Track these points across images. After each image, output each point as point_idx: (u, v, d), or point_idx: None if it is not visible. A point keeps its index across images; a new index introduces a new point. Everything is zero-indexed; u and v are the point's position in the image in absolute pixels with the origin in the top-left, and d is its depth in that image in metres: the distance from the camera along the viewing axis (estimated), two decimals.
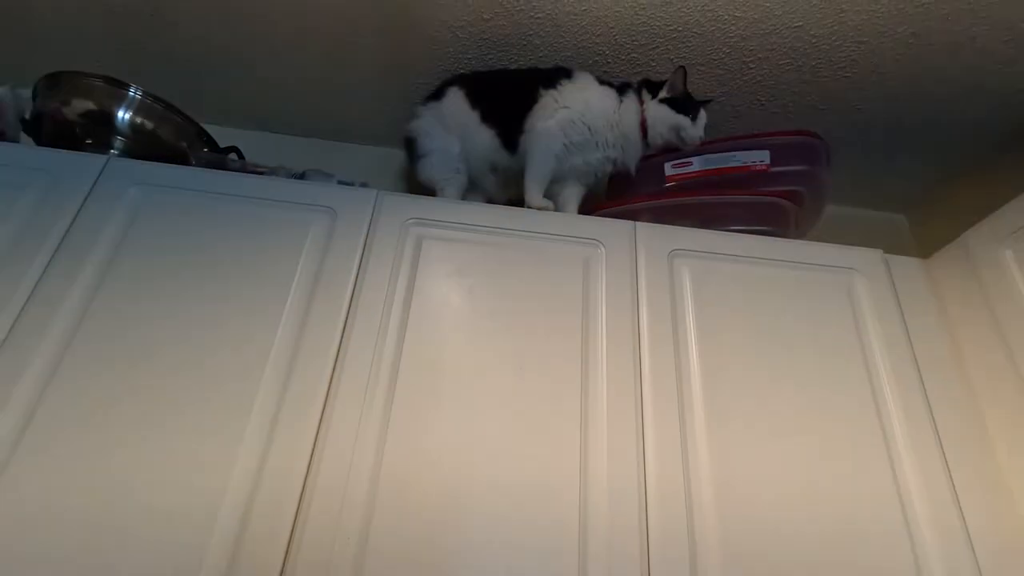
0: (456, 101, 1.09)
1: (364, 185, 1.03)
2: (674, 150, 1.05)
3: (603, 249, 0.92)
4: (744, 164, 1.01)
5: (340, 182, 1.04)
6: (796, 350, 0.86)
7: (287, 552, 0.65)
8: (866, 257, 0.96)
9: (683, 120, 1.02)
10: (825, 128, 1.14)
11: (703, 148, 1.04)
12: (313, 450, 0.72)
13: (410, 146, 1.12)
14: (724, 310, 0.88)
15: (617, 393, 0.80)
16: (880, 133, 1.21)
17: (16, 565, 0.63)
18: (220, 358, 0.77)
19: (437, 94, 1.12)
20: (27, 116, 1.05)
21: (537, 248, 0.91)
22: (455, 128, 1.08)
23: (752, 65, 1.08)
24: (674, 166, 1.04)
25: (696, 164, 1.03)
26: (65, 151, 0.94)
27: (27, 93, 1.05)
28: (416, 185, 1.12)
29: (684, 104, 1.02)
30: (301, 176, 1.06)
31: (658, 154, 1.06)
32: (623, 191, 1.09)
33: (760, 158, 1.01)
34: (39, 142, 1.02)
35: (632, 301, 0.87)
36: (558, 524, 0.70)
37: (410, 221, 0.92)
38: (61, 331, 0.76)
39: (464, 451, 0.74)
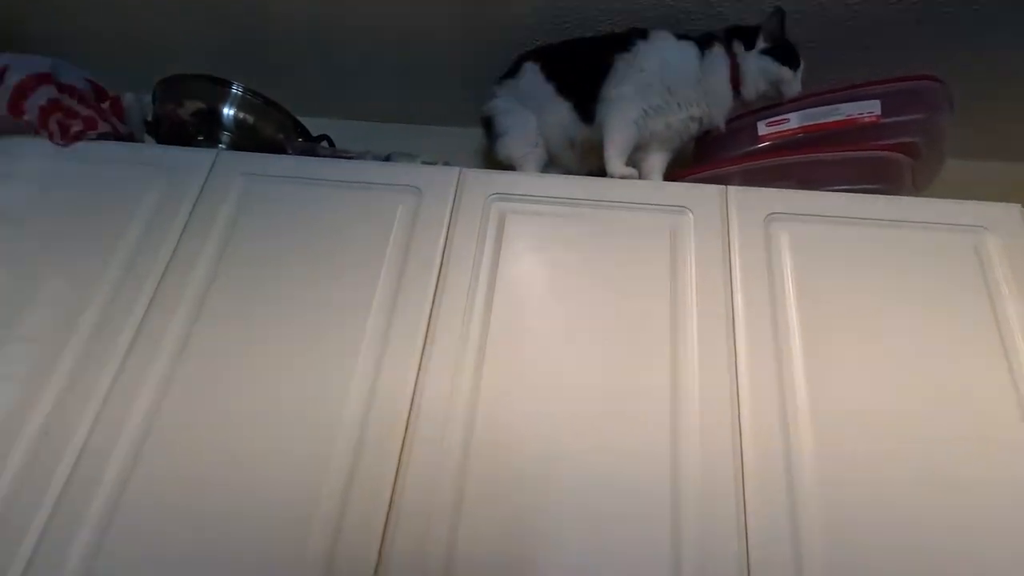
0: (531, 76, 1.07)
1: (447, 164, 1.05)
2: (767, 107, 0.97)
3: (691, 216, 0.88)
4: (850, 116, 0.92)
5: (424, 163, 1.06)
6: (917, 318, 0.78)
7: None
8: (1000, 213, 0.85)
9: (786, 72, 0.93)
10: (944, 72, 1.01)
11: (800, 102, 0.96)
12: (408, 422, 0.75)
13: (488, 125, 1.12)
14: (829, 277, 0.82)
15: (708, 366, 0.77)
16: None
17: (171, 477, 0.73)
18: (321, 334, 0.82)
19: (512, 71, 1.11)
20: (149, 118, 1.16)
21: (620, 218, 0.89)
22: (531, 103, 1.07)
23: (856, 6, 0.98)
24: (768, 124, 0.97)
25: (794, 120, 0.95)
26: (181, 148, 1.03)
27: (148, 97, 1.16)
28: (497, 164, 1.13)
29: (786, 53, 0.94)
30: (387, 159, 1.10)
31: (748, 113, 0.99)
32: (711, 154, 1.04)
33: (869, 109, 0.92)
34: (159, 141, 1.13)
35: (724, 269, 0.83)
36: (648, 493, 0.70)
37: (493, 196, 0.92)
38: (193, 294, 0.86)
39: (550, 420, 0.74)
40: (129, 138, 1.12)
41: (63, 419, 0.77)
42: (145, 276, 0.88)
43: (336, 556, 0.68)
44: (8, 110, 0.99)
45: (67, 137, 1.01)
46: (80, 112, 1.04)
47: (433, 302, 0.83)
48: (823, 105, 0.95)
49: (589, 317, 0.81)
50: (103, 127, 1.05)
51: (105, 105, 1.08)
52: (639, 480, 0.71)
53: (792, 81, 0.94)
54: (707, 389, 0.75)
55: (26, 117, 1.00)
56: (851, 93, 0.94)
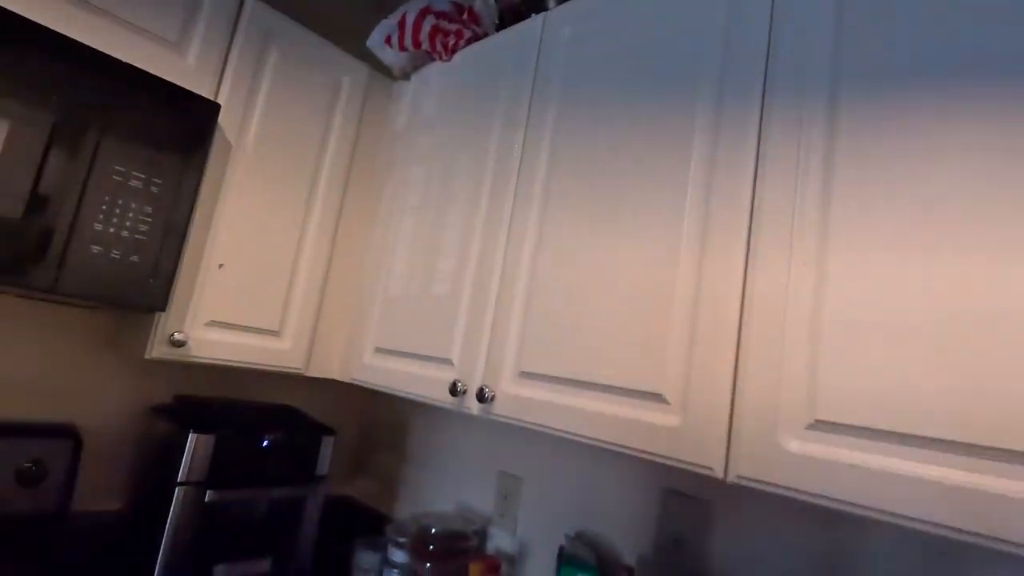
0: None
1: None
2: None
3: None
4: None
5: None
6: None
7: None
8: None
9: None
10: None
11: None
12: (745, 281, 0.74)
13: None
14: None
15: None
16: None
17: (551, 304, 0.93)
18: (646, 193, 0.87)
19: None
20: (496, 20, 1.38)
21: None
22: None
23: None
24: None
25: None
26: (518, 25, 1.20)
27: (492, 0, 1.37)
28: None
29: None
30: None
31: None
32: None
33: None
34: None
35: None
36: None
37: None
38: (545, 162, 1.03)
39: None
40: (485, 36, 1.36)
41: (488, 250, 1.07)
42: (509, 155, 1.10)
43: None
44: (413, 45, 1.34)
45: (448, 52, 1.32)
46: (451, 29, 1.32)
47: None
48: None
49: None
50: (467, 34, 1.31)
51: (464, 16, 1.34)
52: None
53: None
54: None
55: (424, 47, 1.34)
56: None
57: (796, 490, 0.60)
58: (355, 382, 1.28)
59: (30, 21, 0.89)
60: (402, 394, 1.14)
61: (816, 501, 0.59)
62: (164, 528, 1.06)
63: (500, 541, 1.29)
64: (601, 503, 1.13)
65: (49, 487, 1.12)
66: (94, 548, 1.23)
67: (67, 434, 1.16)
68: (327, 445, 1.30)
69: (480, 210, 1.11)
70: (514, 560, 1.25)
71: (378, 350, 1.25)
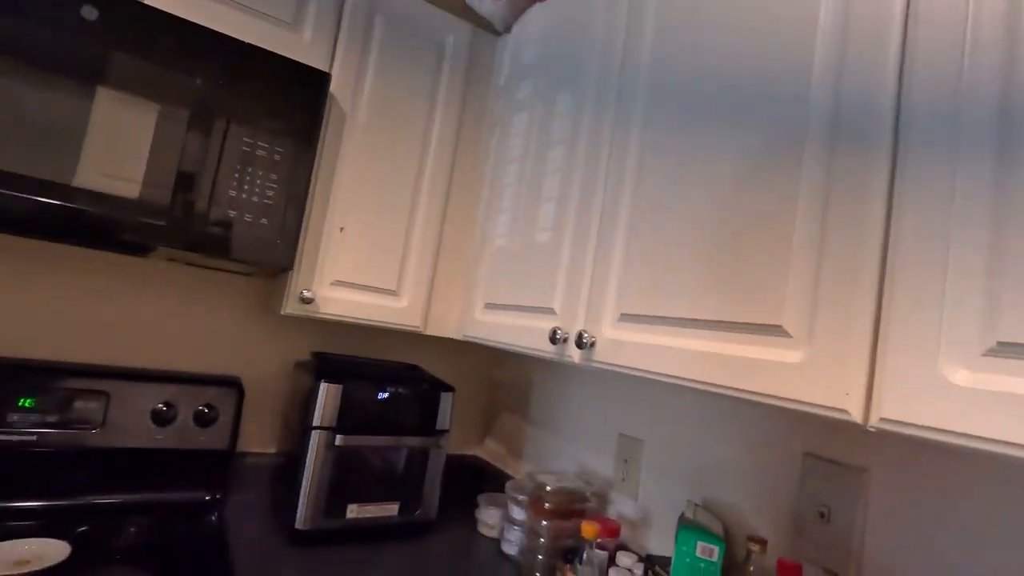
0: None
1: None
2: None
3: None
4: None
5: None
6: None
7: None
8: None
9: None
10: None
11: None
12: None
13: None
14: None
15: None
16: None
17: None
18: None
19: None
20: None
21: None
22: None
23: None
24: None
25: None
26: None
27: None
28: None
29: None
30: None
31: None
32: None
33: None
34: None
35: None
36: None
37: None
38: (643, 94, 0.92)
39: None
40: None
41: (587, 192, 1.00)
42: (608, 90, 1.01)
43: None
44: None
45: None
46: None
47: None
48: None
49: None
50: None
51: None
52: None
53: None
54: None
55: None
56: None
57: (968, 435, 0.46)
58: (467, 338, 1.29)
59: (169, 13, 1.02)
60: (509, 347, 1.12)
61: (992, 449, 0.44)
62: (304, 468, 1.17)
63: (621, 505, 1.22)
64: (730, 469, 1.01)
65: (219, 428, 1.30)
66: (256, 482, 1.41)
67: (233, 384, 1.34)
68: (446, 401, 1.34)
69: (579, 151, 1.04)
70: (635, 525, 1.17)
71: (487, 306, 1.24)
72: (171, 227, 1.01)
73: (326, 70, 1.21)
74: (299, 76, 1.13)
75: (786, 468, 0.92)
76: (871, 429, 0.52)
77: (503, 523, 1.31)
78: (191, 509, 1.24)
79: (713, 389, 0.67)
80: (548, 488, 1.18)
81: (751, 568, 0.84)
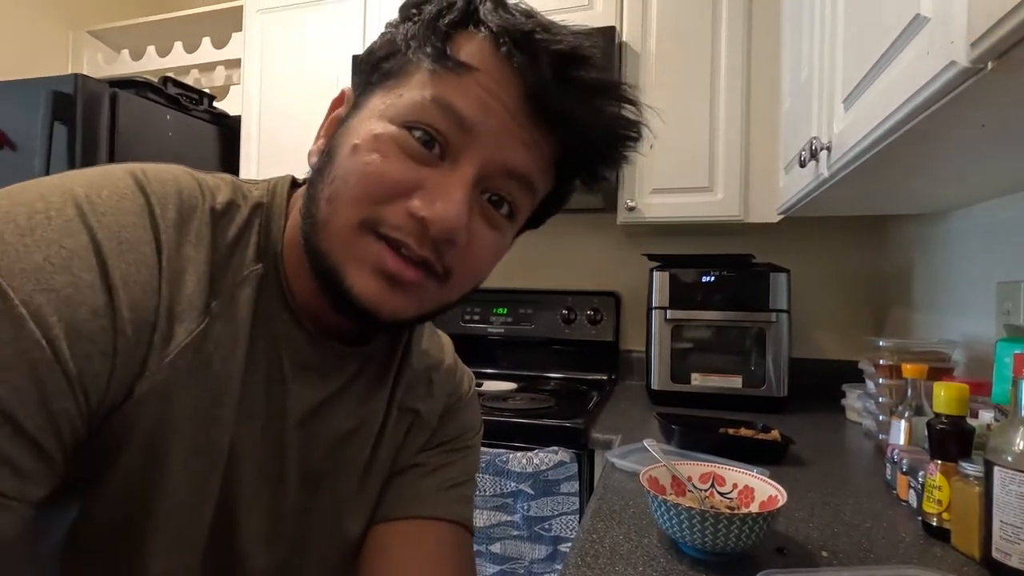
0: None
1: None
2: None
3: None
4: None
5: None
6: None
7: None
8: None
9: None
10: None
11: None
12: None
13: None
14: None
15: None
16: None
17: None
18: None
19: None
20: None
21: None
22: None
23: None
24: None
25: None
26: None
27: None
28: None
29: None
30: None
31: None
32: None
33: None
34: None
35: None
36: None
37: None
38: None
39: None
40: None
41: None
42: None
43: None
44: None
45: None
46: None
47: None
48: None
49: None
50: None
51: None
52: None
53: None
54: None
55: None
56: None
57: None
58: (780, 213, 1.29)
59: None
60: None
61: None
62: (651, 341, 1.45)
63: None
64: None
65: (604, 327, 1.73)
66: (639, 371, 1.76)
67: (612, 295, 1.75)
68: (777, 281, 1.35)
69: None
70: None
71: (785, 170, 1.22)
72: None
73: (615, 26, 1.49)
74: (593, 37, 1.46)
75: None
76: None
77: (864, 401, 1.21)
78: (595, 384, 1.69)
79: None
80: (891, 351, 1.06)
81: None
